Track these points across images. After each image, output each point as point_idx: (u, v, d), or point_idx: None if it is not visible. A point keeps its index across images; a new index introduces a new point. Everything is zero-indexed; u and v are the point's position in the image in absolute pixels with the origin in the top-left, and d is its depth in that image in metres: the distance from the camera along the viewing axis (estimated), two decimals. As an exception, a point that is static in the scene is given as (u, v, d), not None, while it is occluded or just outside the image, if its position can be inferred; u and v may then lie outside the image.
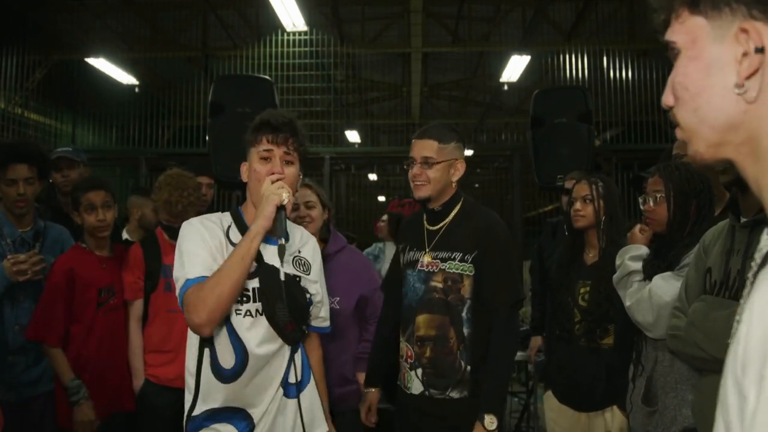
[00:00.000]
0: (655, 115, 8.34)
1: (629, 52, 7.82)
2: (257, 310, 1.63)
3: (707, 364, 1.47)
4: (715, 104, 0.67)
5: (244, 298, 1.63)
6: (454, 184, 2.11)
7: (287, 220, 1.68)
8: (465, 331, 2.01)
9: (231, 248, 1.65)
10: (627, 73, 7.75)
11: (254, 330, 1.64)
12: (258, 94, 4.17)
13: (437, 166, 2.04)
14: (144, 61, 8.90)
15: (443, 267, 2.04)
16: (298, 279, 1.74)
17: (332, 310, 2.41)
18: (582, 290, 2.35)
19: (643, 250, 2.00)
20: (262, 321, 1.63)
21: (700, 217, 1.88)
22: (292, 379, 1.73)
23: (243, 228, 1.70)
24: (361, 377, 2.51)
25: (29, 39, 8.09)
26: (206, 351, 1.65)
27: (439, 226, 2.11)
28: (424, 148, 2.06)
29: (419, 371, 2.06)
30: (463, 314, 2.02)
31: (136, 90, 8.59)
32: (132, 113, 8.17)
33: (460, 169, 2.10)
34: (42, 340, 2.38)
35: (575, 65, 7.74)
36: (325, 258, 2.48)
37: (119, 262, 2.64)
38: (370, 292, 2.60)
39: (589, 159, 4.40)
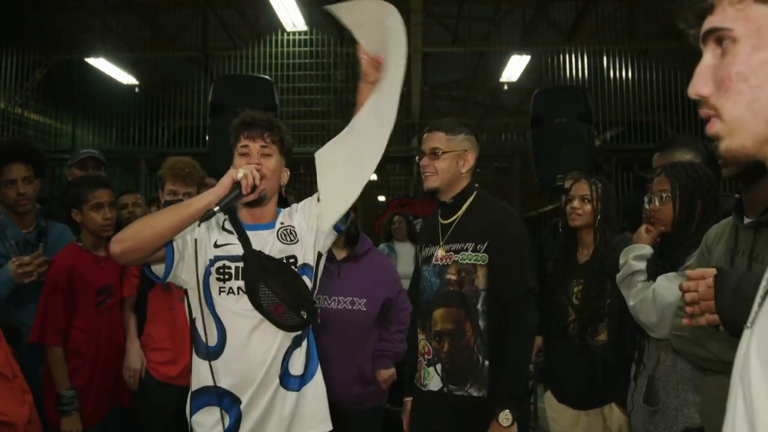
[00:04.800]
0: (655, 114, 8.34)
1: (629, 52, 7.82)
2: (239, 288, 1.65)
3: (711, 365, 1.46)
4: None
5: (225, 276, 1.65)
6: (465, 176, 2.10)
7: (250, 202, 1.68)
8: (481, 324, 1.99)
9: (224, 233, 1.71)
10: (627, 73, 7.76)
11: (236, 308, 1.65)
12: (258, 94, 4.18)
13: (444, 155, 2.06)
14: (144, 61, 8.87)
15: (456, 258, 2.03)
16: (292, 261, 1.72)
17: (358, 313, 2.52)
18: (575, 289, 2.36)
19: (647, 249, 1.99)
20: (245, 299, 1.64)
21: (705, 218, 1.87)
22: (295, 371, 1.70)
23: (235, 220, 1.74)
24: (381, 374, 2.60)
25: (29, 39, 8.09)
26: (194, 331, 1.67)
27: (452, 219, 2.10)
28: (432, 140, 2.09)
29: (438, 367, 2.03)
30: (479, 306, 1.99)
31: (136, 90, 8.59)
32: (132, 113, 8.17)
33: (470, 161, 2.10)
34: (41, 341, 2.36)
35: (575, 65, 7.74)
36: (355, 258, 2.60)
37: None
38: (394, 293, 2.67)
39: (589, 159, 4.42)
